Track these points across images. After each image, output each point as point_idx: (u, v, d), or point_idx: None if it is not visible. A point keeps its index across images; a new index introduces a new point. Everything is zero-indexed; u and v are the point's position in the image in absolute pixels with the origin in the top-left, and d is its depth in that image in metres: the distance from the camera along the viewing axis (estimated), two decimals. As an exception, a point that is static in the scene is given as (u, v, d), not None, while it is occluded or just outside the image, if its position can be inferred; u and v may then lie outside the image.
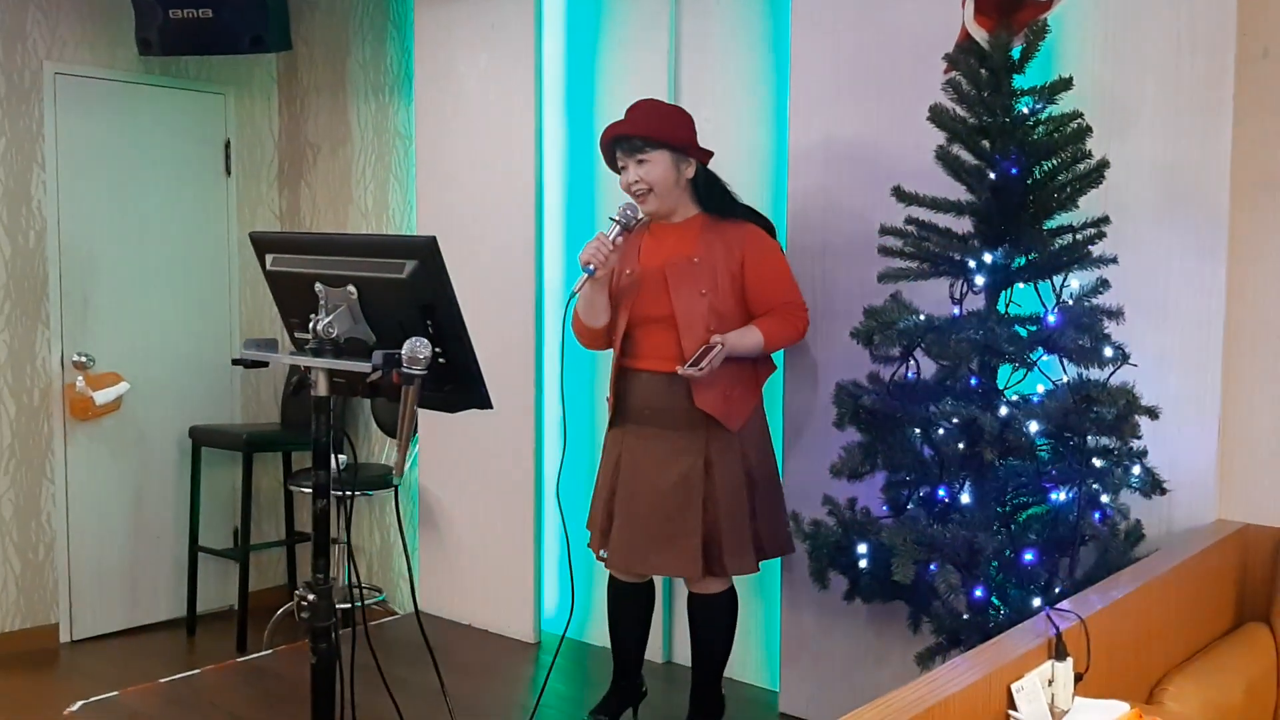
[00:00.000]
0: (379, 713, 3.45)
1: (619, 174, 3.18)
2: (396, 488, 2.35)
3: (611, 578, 3.37)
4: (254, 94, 5.25)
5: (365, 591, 4.91)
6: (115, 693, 3.64)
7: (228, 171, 5.16)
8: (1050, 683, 1.93)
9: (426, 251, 2.32)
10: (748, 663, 3.81)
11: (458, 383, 2.43)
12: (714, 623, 3.26)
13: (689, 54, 3.88)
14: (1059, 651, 1.95)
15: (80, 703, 3.54)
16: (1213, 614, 2.74)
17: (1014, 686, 1.87)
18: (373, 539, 5.12)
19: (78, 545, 4.70)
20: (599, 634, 4.17)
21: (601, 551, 3.24)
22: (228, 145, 5.15)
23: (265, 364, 2.67)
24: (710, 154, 3.19)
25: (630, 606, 3.37)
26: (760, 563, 3.21)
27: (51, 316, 4.61)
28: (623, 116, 3.16)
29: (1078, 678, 1.98)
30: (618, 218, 3.07)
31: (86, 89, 4.69)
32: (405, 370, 2.25)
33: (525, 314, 4.19)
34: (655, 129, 3.09)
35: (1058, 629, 1.98)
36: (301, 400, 5.01)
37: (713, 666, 3.31)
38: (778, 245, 3.19)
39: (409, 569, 2.40)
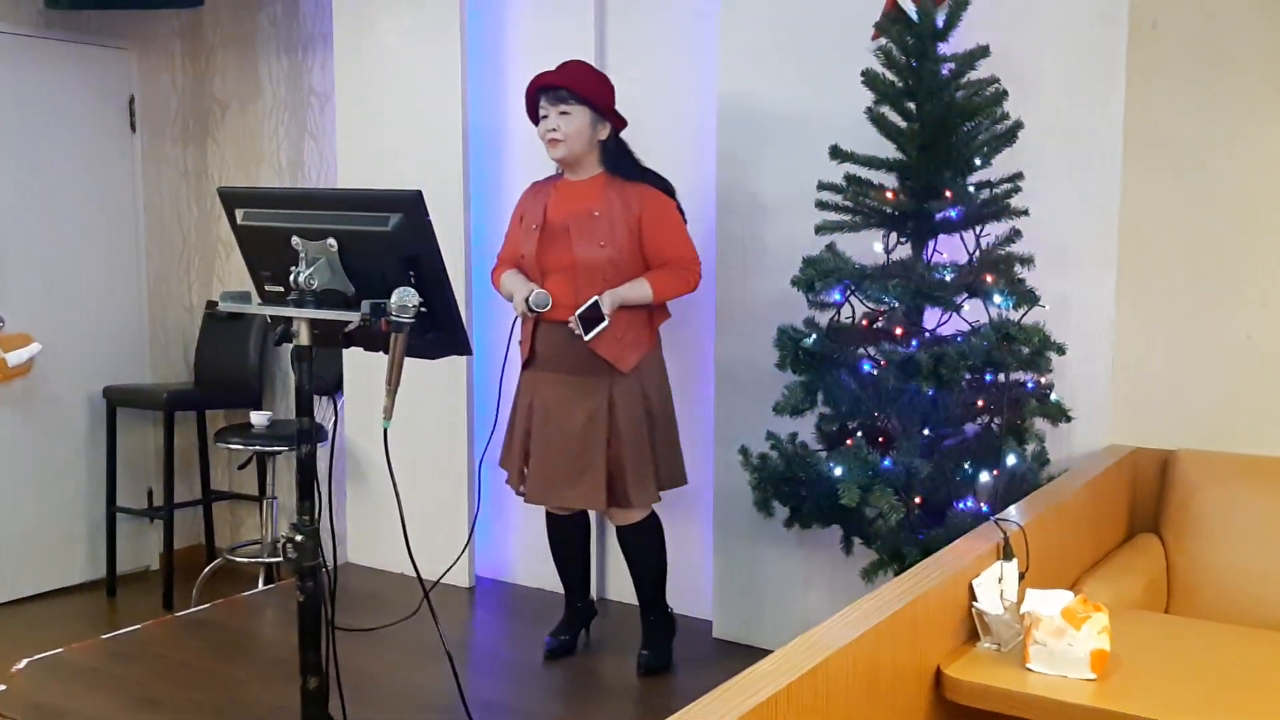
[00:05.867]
0: (353, 661, 3.56)
1: (537, 124, 3.39)
2: (385, 430, 2.48)
3: (547, 513, 3.62)
4: (157, 50, 5.17)
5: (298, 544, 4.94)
6: (60, 650, 3.65)
7: (133, 128, 5.08)
8: (1000, 580, 2.20)
9: (412, 205, 2.46)
10: (681, 594, 4.04)
11: (440, 330, 2.57)
12: (643, 547, 3.53)
13: (616, 12, 4.03)
14: (1006, 553, 2.23)
15: (26, 660, 3.54)
16: (1113, 526, 3.09)
17: (974, 582, 2.14)
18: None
19: (-9, 509, 4.63)
20: (528, 575, 4.36)
21: (521, 488, 3.50)
22: (132, 101, 5.07)
23: (241, 315, 2.75)
24: (625, 122, 3.42)
25: (565, 536, 3.65)
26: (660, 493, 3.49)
27: (-43, 277, 4.51)
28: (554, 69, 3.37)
29: (1020, 576, 2.27)
30: (528, 312, 3.32)
31: (-14, 43, 4.57)
32: (394, 318, 2.39)
33: (454, 268, 4.28)
34: (582, 85, 3.32)
35: (1005, 535, 2.26)
36: (216, 359, 5.00)
37: (654, 589, 3.57)
38: (674, 204, 3.42)
39: (400, 517, 2.57)
